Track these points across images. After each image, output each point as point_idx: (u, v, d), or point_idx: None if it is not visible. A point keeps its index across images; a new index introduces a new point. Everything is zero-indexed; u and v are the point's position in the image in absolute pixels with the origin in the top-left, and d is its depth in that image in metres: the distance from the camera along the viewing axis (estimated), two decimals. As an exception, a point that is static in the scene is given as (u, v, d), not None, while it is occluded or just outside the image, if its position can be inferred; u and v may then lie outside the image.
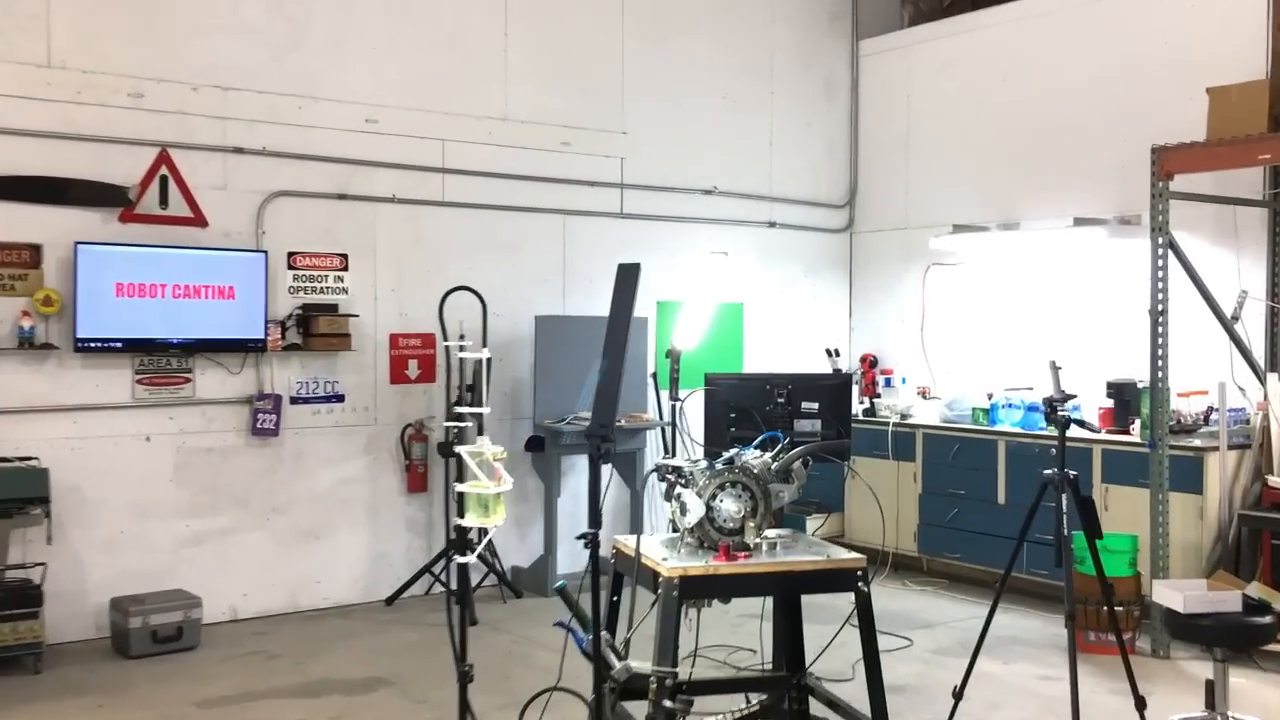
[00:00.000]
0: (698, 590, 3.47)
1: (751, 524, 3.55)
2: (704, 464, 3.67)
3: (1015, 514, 7.73)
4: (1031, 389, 8.10)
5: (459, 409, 4.28)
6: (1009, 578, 5.35)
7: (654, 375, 8.11)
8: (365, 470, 7.68)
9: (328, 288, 7.50)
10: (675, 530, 3.70)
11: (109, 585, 6.67)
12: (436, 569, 7.65)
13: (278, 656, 6.44)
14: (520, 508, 8.25)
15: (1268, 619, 4.96)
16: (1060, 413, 4.64)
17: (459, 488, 3.66)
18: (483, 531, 3.69)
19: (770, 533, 3.79)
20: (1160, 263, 6.48)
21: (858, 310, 10.04)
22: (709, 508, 3.57)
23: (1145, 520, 6.63)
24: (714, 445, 4.84)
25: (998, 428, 8.03)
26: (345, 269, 7.56)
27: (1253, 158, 6.12)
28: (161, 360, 6.87)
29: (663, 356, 8.67)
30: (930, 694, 5.82)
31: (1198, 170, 6.49)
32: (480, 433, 3.89)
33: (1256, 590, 5.12)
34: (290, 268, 7.35)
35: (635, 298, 3.40)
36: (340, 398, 7.57)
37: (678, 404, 4.77)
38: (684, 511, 3.54)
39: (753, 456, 3.74)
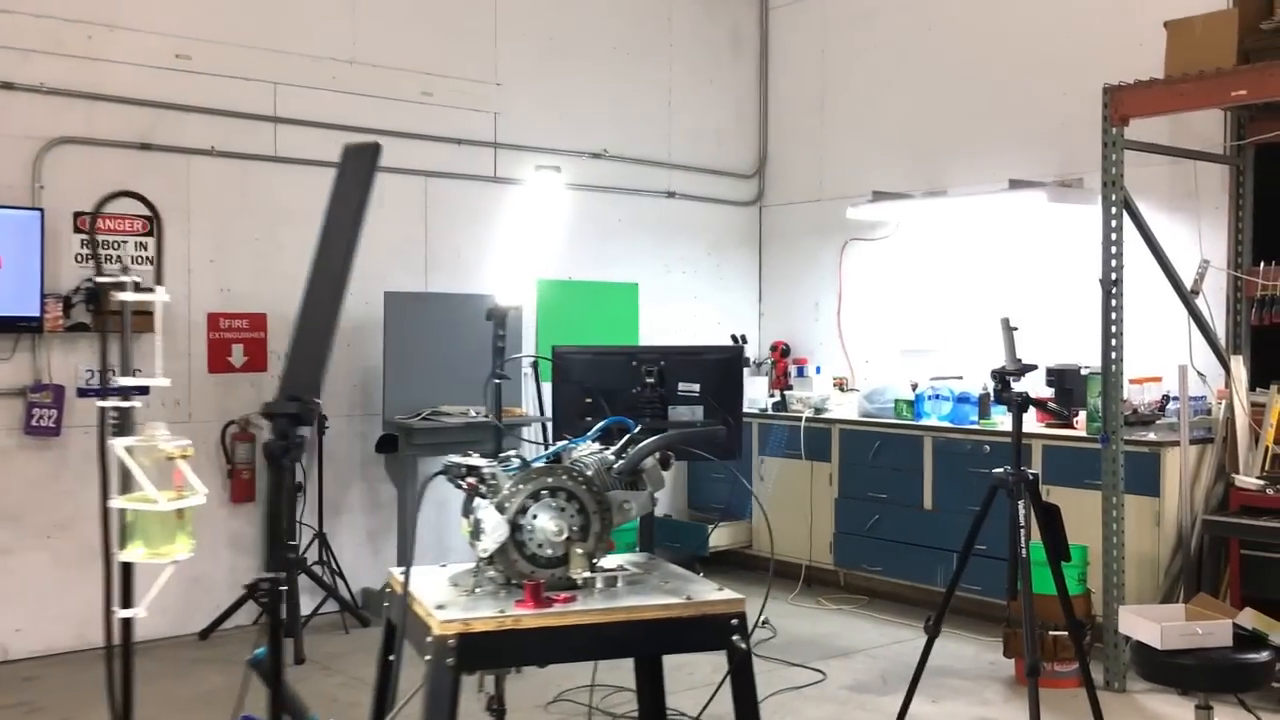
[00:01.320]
0: (487, 655, 2.27)
1: (579, 550, 2.40)
2: (512, 463, 2.52)
3: (944, 520, 6.73)
4: (961, 378, 7.10)
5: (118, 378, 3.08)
6: (950, 600, 4.31)
7: (534, 364, 6.98)
8: (177, 476, 6.37)
9: (127, 255, 6.20)
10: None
11: None
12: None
13: (40, 709, 5.16)
14: (372, 519, 7.04)
15: (1264, 655, 3.94)
16: (1014, 390, 3.54)
17: (114, 503, 2.50)
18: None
19: (611, 560, 2.64)
20: (1114, 223, 5.48)
21: (768, 293, 8.97)
22: (516, 527, 2.43)
23: (1094, 528, 5.62)
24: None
25: (923, 422, 7.00)
26: (149, 234, 6.27)
27: (1224, 95, 5.14)
28: None
29: (545, 345, 7.55)
30: (846, 747, 4.73)
31: (1158, 112, 5.52)
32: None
33: (1250, 619, 4.10)
34: (77, 230, 6.05)
35: (368, 192, 2.23)
36: (144, 390, 6.25)
37: (497, 381, 3.61)
38: (478, 533, 2.39)
39: (587, 451, 2.61)
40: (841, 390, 8.04)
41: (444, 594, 2.42)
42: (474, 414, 6.60)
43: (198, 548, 6.47)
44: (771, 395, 8.14)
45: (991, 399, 6.27)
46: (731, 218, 8.82)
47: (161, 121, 6.27)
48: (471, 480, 2.50)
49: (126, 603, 2.52)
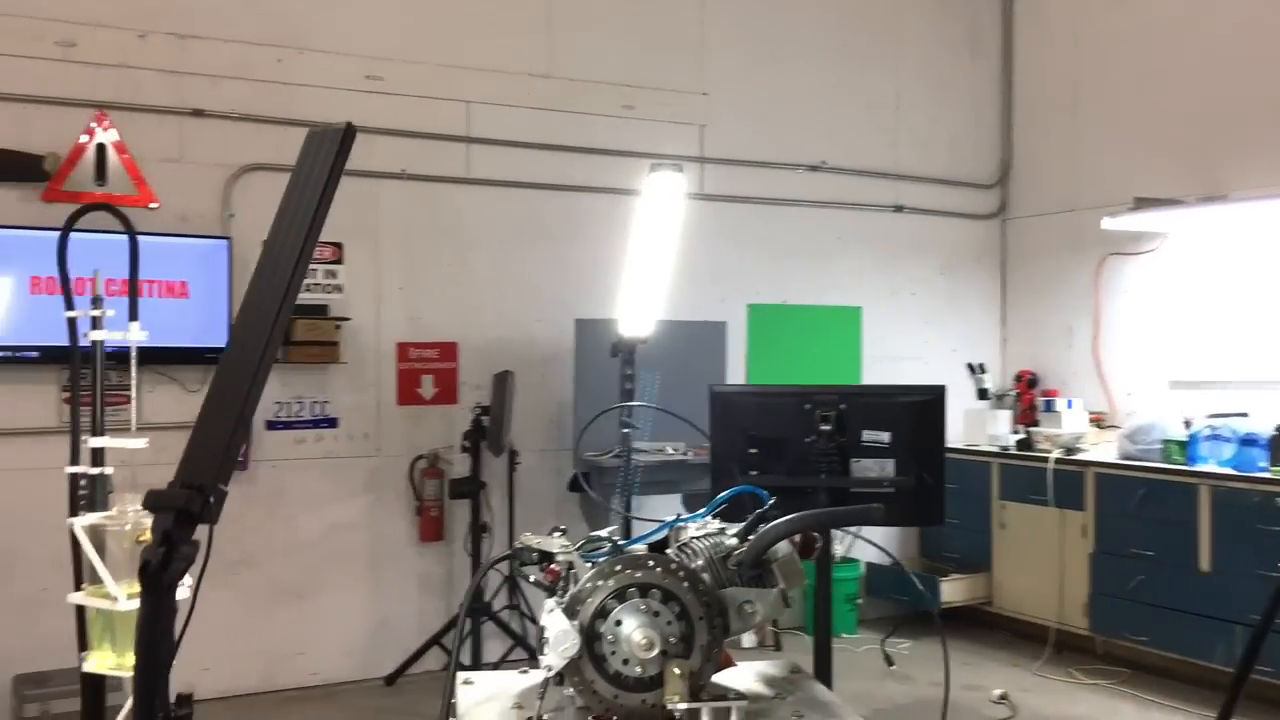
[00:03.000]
0: None
1: (677, 670, 1.77)
2: (601, 547, 1.90)
3: (1225, 584, 5.64)
4: (1246, 415, 5.97)
5: (93, 440, 2.63)
6: (1243, 685, 3.36)
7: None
8: (364, 513, 6.13)
9: (316, 284, 6.01)
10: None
11: (26, 658, 5.29)
12: (448, 639, 6.03)
13: (207, 761, 4.93)
14: (568, 562, 6.57)
15: None
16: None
17: (71, 598, 2.04)
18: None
19: (727, 678, 1.98)
20: None
21: (1012, 315, 7.99)
22: (594, 635, 1.82)
23: None
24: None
25: (1199, 467, 5.91)
26: (338, 261, 6.06)
27: None
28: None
29: (757, 375, 6.92)
30: None
31: None
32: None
33: None
34: (266, 259, 5.89)
35: (328, 194, 1.68)
36: (332, 422, 6.06)
37: (625, 430, 3.01)
38: (544, 644, 1.80)
39: (701, 532, 1.97)
40: (1099, 427, 7.00)
41: (496, 721, 1.85)
42: (670, 451, 6.05)
43: (384, 588, 6.30)
44: (1015, 431, 7.20)
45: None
46: (968, 232, 7.91)
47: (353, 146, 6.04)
48: (546, 570, 1.92)
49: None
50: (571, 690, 1.83)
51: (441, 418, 6.29)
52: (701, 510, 2.01)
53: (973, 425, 7.35)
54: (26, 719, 4.92)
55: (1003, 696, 5.71)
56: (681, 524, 1.99)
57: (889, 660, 2.76)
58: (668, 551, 1.95)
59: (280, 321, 1.52)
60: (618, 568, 1.84)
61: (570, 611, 1.80)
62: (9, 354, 5.25)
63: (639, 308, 2.96)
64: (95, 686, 2.47)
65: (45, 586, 5.40)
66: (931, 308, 7.74)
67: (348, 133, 1.63)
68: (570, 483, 6.27)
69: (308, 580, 5.98)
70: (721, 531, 1.99)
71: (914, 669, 6.25)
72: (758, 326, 7.08)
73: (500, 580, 6.11)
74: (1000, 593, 7.00)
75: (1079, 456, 6.59)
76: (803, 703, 1.93)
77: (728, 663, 1.95)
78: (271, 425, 5.89)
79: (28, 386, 5.37)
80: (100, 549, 2.31)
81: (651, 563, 1.84)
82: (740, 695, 1.86)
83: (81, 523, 2.21)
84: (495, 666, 5.95)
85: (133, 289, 2.80)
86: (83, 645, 2.52)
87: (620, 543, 1.93)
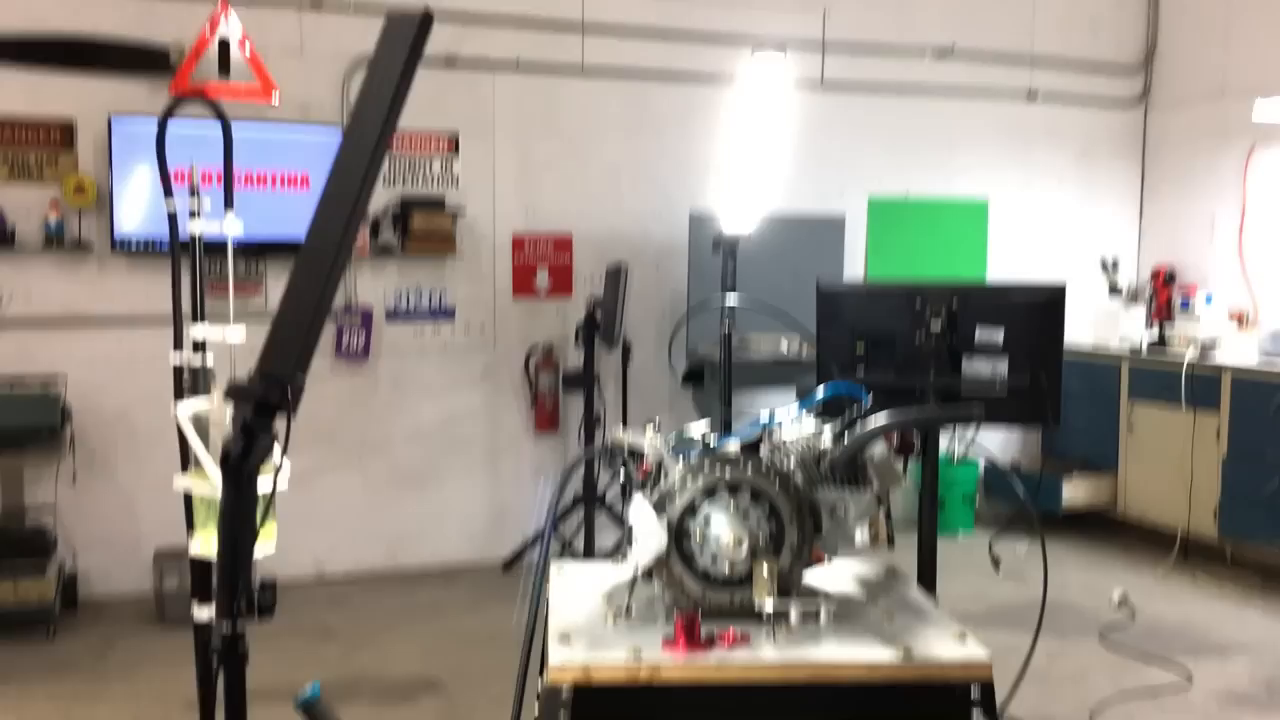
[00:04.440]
0: (612, 714, 1.62)
1: (765, 570, 1.75)
2: (693, 445, 1.87)
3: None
4: (1403, 316, 5.61)
5: (195, 331, 2.67)
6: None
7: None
8: (482, 404, 6.25)
9: (432, 176, 6.05)
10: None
11: (166, 534, 5.57)
12: (563, 527, 6.14)
13: (334, 637, 5.16)
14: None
15: None
16: None
17: (179, 483, 2.10)
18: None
19: (819, 577, 1.95)
20: None
21: (1150, 210, 7.61)
22: (682, 533, 1.81)
23: None
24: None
25: (1346, 371, 5.60)
26: (454, 152, 6.08)
27: None
28: (223, 264, 5.64)
29: (876, 272, 6.77)
30: (1207, 785, 3.77)
31: None
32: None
33: None
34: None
35: (406, 83, 1.62)
36: (449, 314, 6.15)
37: (726, 332, 2.96)
38: (631, 539, 1.79)
39: (793, 430, 1.93)
40: (1240, 326, 6.67)
41: (584, 612, 1.86)
42: (785, 347, 5.98)
43: (501, 477, 6.44)
44: (1149, 330, 6.91)
45: None
46: (1107, 121, 7.51)
47: (467, 36, 6.01)
48: (639, 467, 1.91)
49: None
50: (659, 586, 1.83)
51: (556, 311, 6.32)
52: (797, 409, 1.97)
53: (1102, 324, 7.09)
54: (166, 591, 5.20)
55: (1122, 600, 5.59)
56: (776, 423, 1.95)
57: (996, 564, 2.72)
58: (761, 451, 1.92)
59: (358, 211, 1.50)
60: (708, 466, 1.82)
61: (660, 507, 1.80)
62: (143, 244, 5.44)
63: (741, 203, 2.87)
64: (204, 567, 2.58)
65: (182, 467, 5.68)
66: (1063, 200, 7.41)
67: (425, 19, 1.58)
68: (683, 376, 6.26)
69: (428, 467, 6.15)
70: (817, 432, 1.95)
71: (1031, 570, 6.14)
72: (878, 221, 6.91)
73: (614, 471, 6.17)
74: (1126, 496, 6.81)
75: (1215, 359, 6.30)
76: (895, 604, 1.90)
77: (819, 561, 1.93)
78: (391, 316, 6.00)
79: (163, 276, 5.54)
80: (204, 436, 2.39)
81: (742, 461, 1.82)
82: (830, 595, 1.84)
83: (185, 410, 2.28)
84: (610, 555, 6.07)
85: (227, 180, 2.84)
86: (190, 528, 2.63)
87: (713, 440, 1.90)
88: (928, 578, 2.95)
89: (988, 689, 1.63)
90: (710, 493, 1.79)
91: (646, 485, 1.89)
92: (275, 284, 5.75)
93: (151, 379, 5.58)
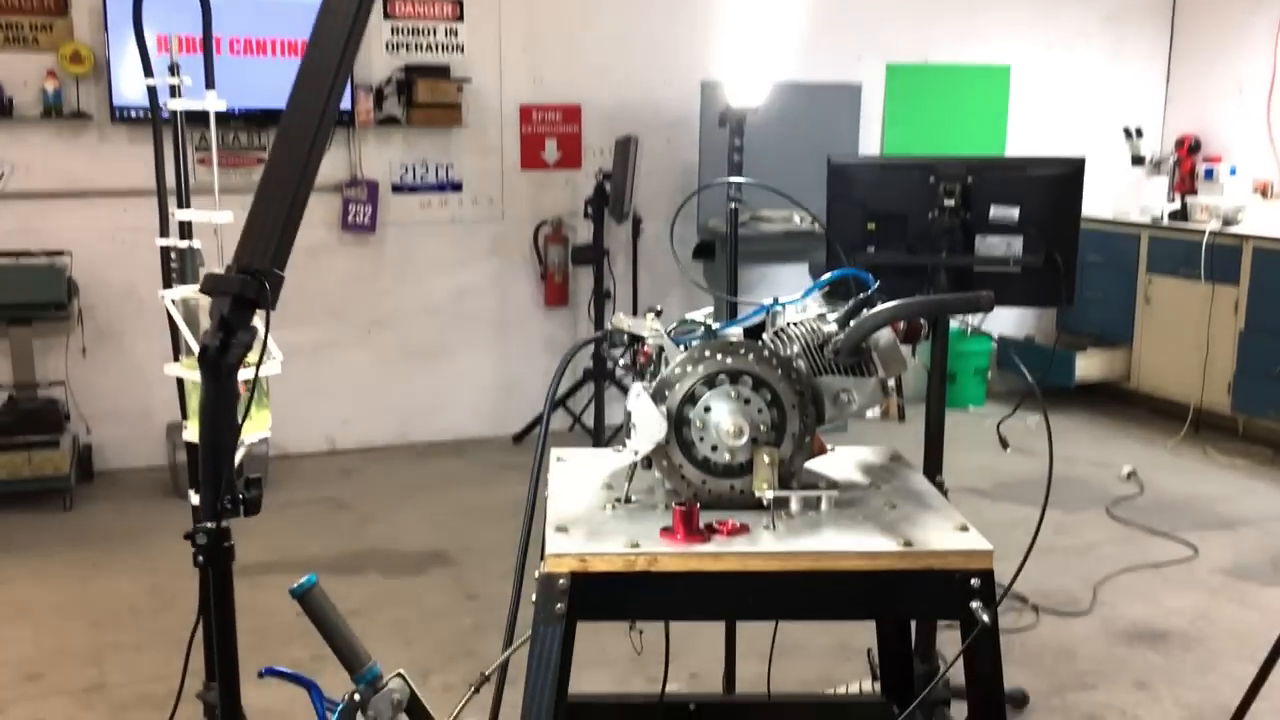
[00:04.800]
0: (607, 604, 1.61)
1: (766, 459, 1.72)
2: (694, 331, 1.83)
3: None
4: None
5: (179, 213, 2.60)
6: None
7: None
8: (491, 278, 6.20)
9: (437, 44, 5.88)
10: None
11: (178, 407, 5.60)
12: (573, 403, 6.15)
13: (346, 508, 5.22)
14: (692, 328, 6.57)
15: None
16: None
17: (169, 370, 2.07)
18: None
19: (821, 464, 1.93)
20: None
21: (1179, 75, 7.38)
22: (683, 421, 1.78)
23: None
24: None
25: (1371, 244, 5.49)
26: (459, 19, 5.89)
27: None
28: (228, 135, 5.56)
29: (894, 144, 6.61)
30: (1209, 650, 3.82)
31: None
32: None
33: None
34: (386, 16, 5.77)
35: None
36: (456, 186, 6.05)
37: (734, 205, 2.88)
38: (631, 429, 1.76)
39: (798, 315, 1.88)
40: (1263, 197, 6.54)
41: (583, 501, 1.84)
42: (798, 220, 5.88)
43: (511, 351, 6.42)
44: (1170, 200, 6.77)
45: None
46: (1137, -19, 7.24)
47: (468, -107, 5.78)
48: (634, 354, 1.87)
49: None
50: (659, 474, 1.81)
51: (565, 183, 6.22)
52: (800, 294, 1.92)
53: (1124, 194, 6.94)
54: (179, 464, 5.25)
55: (1130, 473, 5.60)
56: (779, 308, 1.90)
57: (1004, 443, 2.71)
58: (763, 337, 1.87)
59: (336, 89, 1.43)
60: (708, 353, 1.77)
61: (659, 396, 1.76)
62: (143, 113, 5.32)
63: (749, 71, 2.76)
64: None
65: (192, 342, 5.68)
66: (1088, 67, 7.18)
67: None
68: (694, 251, 6.18)
69: (438, 341, 6.14)
70: (821, 317, 1.90)
71: (1041, 444, 6.14)
72: (897, 89, 6.72)
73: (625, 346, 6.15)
74: (1140, 369, 6.77)
75: (1237, 229, 6.18)
76: (898, 492, 1.88)
77: (821, 450, 1.89)
78: (397, 188, 5.91)
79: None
80: (192, 322, 2.35)
81: (744, 349, 1.77)
82: (832, 484, 1.81)
83: (172, 295, 2.24)
84: (617, 432, 6.09)
85: (208, 52, 2.73)
86: (184, 415, 2.61)
87: (715, 326, 1.86)
88: (934, 460, 2.93)
89: (987, 579, 1.60)
90: (710, 381, 1.75)
91: (646, 373, 1.85)
92: (279, 156, 5.65)
93: (156, 254, 5.55)
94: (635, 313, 6.23)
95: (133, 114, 5.32)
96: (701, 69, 6.04)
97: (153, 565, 4.48)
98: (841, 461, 2.00)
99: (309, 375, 5.90)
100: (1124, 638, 3.93)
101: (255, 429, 2.28)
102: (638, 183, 6.03)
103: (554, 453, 2.09)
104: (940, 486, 2.93)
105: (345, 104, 5.62)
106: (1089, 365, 6.78)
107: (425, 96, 5.74)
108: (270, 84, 5.49)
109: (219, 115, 3.41)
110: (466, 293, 6.14)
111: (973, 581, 1.61)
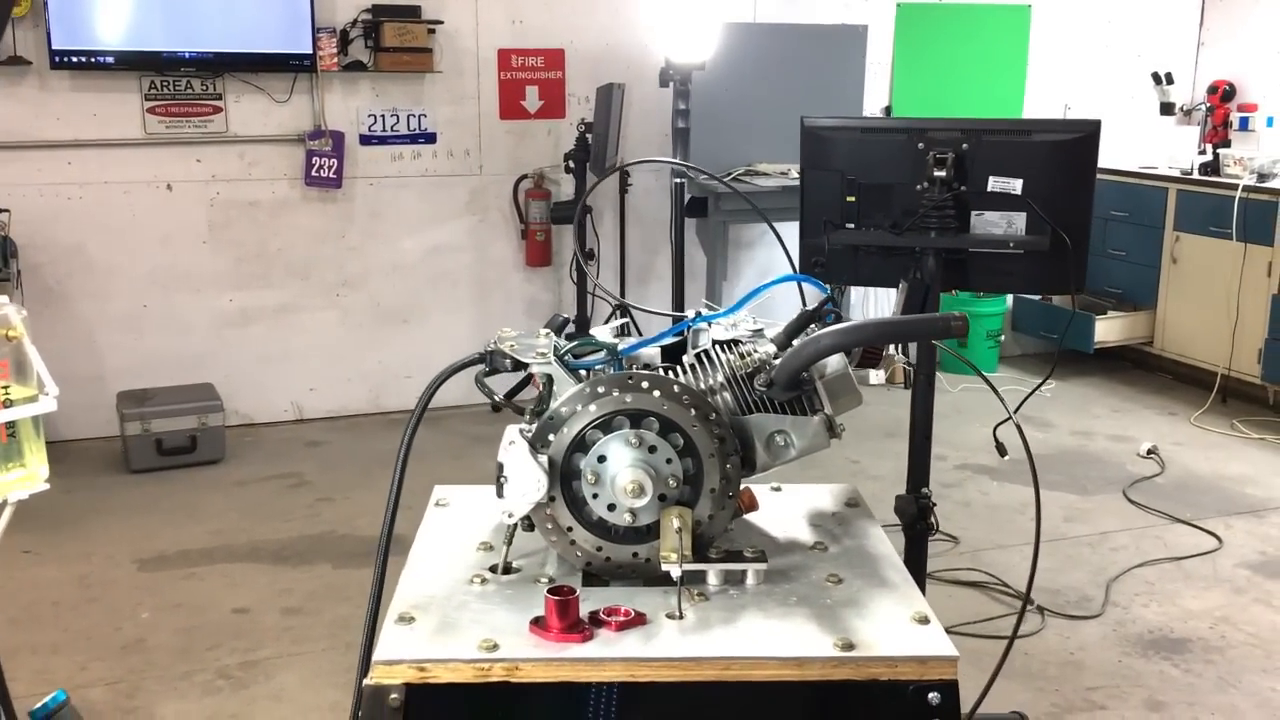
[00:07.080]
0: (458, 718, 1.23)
1: (676, 522, 1.33)
2: (594, 353, 1.43)
3: None
4: None
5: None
6: None
7: (887, 111, 5.78)
8: (468, 235, 5.80)
9: (407, -16, 5.44)
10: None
11: (131, 373, 5.28)
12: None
13: (305, 484, 4.89)
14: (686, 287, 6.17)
15: None
16: None
17: None
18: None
19: (757, 518, 1.53)
20: None
21: (1212, 17, 6.85)
22: (571, 472, 1.39)
23: None
24: (811, 255, 2.57)
25: None
26: (430, -44, 5.45)
27: None
28: (179, 82, 5.15)
29: (904, 92, 6.15)
30: (1231, 662, 3.45)
31: None
32: None
33: None
34: (356, -45, 5.33)
35: None
36: (430, 137, 5.64)
37: (678, 180, 2.47)
38: (502, 486, 1.37)
39: (730, 335, 1.48)
40: (1303, 150, 6.05)
41: (446, 571, 1.46)
42: (794, 175, 5.45)
43: (491, 313, 6.03)
44: (1201, 152, 6.29)
45: None
46: (1171, -87, 6.69)
47: None
48: (531, 383, 1.48)
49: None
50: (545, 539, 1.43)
51: (548, 134, 5.79)
52: (729, 307, 1.52)
53: (1151, 145, 6.46)
54: (128, 435, 4.92)
55: (1151, 450, 5.20)
56: (703, 324, 1.51)
57: (1001, 450, 2.33)
58: (682, 360, 1.48)
59: None
60: (601, 389, 1.39)
61: (540, 441, 1.38)
62: (85, 58, 4.93)
63: (691, 21, 2.33)
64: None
65: (145, 303, 5.33)
66: (1114, 4, 6.66)
67: None
68: (686, 207, 5.74)
69: (412, 303, 5.76)
70: (758, 334, 1.51)
71: (1056, 415, 5.77)
72: (907, 31, 6.23)
73: (612, 308, 5.77)
74: (1163, 333, 6.33)
75: (1274, 184, 5.71)
76: (848, 557, 1.49)
77: (751, 506, 1.51)
78: (365, 140, 5.51)
79: (112, 95, 5.07)
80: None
81: (646, 383, 1.38)
82: (759, 554, 1.43)
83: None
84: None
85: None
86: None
87: (620, 347, 1.47)
88: (919, 475, 2.54)
89: (950, 693, 1.23)
90: (606, 425, 1.37)
91: (533, 409, 1.47)
92: (235, 105, 5.25)
93: (106, 209, 5.19)
94: (623, 277, 5.85)
95: (74, 60, 4.92)
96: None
97: (88, 551, 4.17)
98: (783, 510, 1.62)
99: (273, 340, 5.55)
100: (1138, 646, 3.57)
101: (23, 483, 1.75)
102: (626, 133, 5.62)
103: (436, 492, 1.72)
104: (926, 500, 2.56)
105: (306, 48, 5.21)
106: (1109, 329, 6.35)
107: (393, 40, 5.31)
108: (220, 27, 5.09)
109: (169, 61, 3.00)
110: (442, 251, 5.75)
111: (930, 697, 1.24)
